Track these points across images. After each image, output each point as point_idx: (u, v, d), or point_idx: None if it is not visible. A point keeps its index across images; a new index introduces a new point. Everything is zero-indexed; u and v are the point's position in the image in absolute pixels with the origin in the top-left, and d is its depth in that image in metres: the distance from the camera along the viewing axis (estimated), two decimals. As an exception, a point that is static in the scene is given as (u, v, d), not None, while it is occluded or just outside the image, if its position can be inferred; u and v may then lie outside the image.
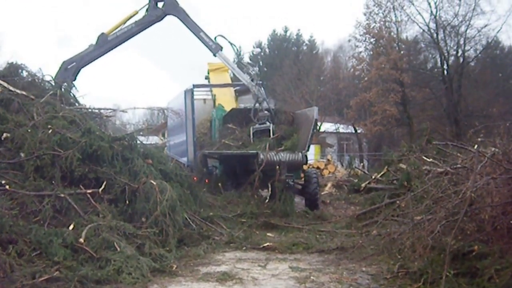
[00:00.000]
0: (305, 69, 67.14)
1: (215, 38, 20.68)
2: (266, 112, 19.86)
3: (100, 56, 21.13)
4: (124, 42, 21.24)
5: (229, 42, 21.24)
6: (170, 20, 20.96)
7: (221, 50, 20.65)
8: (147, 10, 21.08)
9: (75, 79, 20.17)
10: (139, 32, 21.16)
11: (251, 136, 19.84)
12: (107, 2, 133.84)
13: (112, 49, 21.15)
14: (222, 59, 21.05)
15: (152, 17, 21.00)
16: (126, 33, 21.03)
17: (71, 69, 20.28)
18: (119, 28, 21.07)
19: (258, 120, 19.87)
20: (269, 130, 19.72)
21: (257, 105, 20.10)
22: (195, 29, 20.80)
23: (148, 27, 21.23)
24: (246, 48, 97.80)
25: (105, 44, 20.87)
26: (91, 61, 21.03)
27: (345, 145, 63.46)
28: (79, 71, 20.61)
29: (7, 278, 8.26)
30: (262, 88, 21.13)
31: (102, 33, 20.78)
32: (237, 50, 22.18)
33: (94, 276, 8.85)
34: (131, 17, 21.25)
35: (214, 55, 20.75)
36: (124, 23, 21.16)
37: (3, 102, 13.66)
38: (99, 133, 12.93)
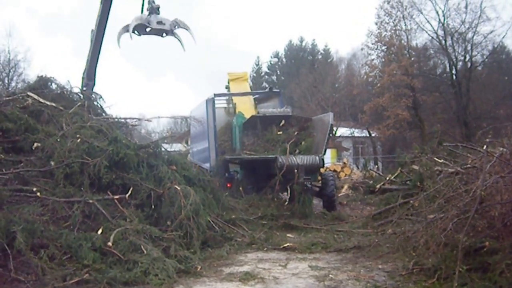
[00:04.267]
0: (320, 77, 67.30)
1: None
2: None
3: (98, 50, 20.06)
4: (104, 25, 19.61)
5: None
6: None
7: None
8: None
9: (94, 83, 19.51)
10: (109, 8, 19.52)
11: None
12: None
13: (101, 37, 19.94)
14: None
15: None
16: (100, 15, 19.90)
17: (88, 75, 19.69)
18: None
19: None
20: None
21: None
22: None
23: None
24: (264, 58, 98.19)
25: (94, 36, 20.02)
26: (94, 58, 19.93)
27: (360, 149, 63.18)
28: (94, 73, 19.78)
29: (39, 281, 8.26)
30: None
31: (92, 30, 20.11)
32: None
33: (122, 278, 8.81)
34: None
35: None
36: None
37: (34, 113, 13.70)
38: (125, 142, 12.87)
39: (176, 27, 17.60)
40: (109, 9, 18.85)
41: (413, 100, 48.77)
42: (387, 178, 21.95)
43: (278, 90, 25.47)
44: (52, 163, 11.66)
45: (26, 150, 12.37)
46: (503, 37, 54.73)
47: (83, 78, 19.08)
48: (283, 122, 20.24)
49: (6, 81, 49.90)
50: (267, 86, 66.24)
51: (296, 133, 20.08)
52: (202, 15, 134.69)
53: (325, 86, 64.47)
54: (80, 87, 18.27)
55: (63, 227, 9.98)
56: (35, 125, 12.96)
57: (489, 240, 8.79)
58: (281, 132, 20.21)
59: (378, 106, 49.22)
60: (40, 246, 9.07)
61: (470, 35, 47.51)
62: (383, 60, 52.85)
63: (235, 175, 19.87)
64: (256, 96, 24.73)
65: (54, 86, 16.12)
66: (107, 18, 18.84)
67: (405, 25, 50.39)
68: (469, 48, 48.05)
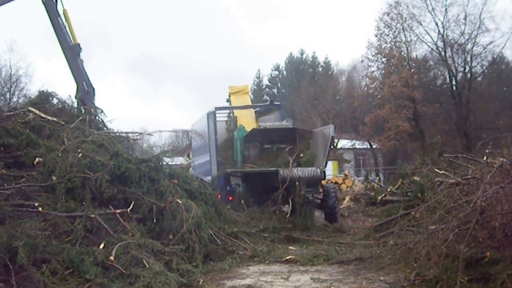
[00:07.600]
0: (321, 89, 67.47)
1: None
2: None
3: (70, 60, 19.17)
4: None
5: None
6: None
7: None
8: None
9: (94, 90, 18.95)
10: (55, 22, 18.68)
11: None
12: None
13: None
14: None
15: None
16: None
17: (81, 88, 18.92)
18: None
19: None
20: None
21: None
22: None
23: None
24: (265, 71, 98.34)
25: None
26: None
27: (361, 160, 63.15)
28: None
29: (42, 297, 8.22)
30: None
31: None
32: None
33: (124, 292, 8.78)
34: None
35: None
36: None
37: (35, 128, 13.73)
38: (127, 156, 12.90)
39: None
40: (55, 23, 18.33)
41: (413, 111, 48.74)
42: (388, 190, 21.93)
43: (278, 103, 25.62)
44: (54, 178, 11.66)
45: (27, 165, 12.38)
46: (503, 48, 54.58)
47: (77, 99, 18.56)
48: (287, 148, 20.28)
49: (8, 96, 49.96)
50: (268, 99, 66.40)
51: (297, 146, 20.11)
52: (205, 21, 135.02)
53: (326, 98, 64.54)
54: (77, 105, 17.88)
55: (65, 242, 9.96)
56: (36, 140, 12.99)
57: (490, 250, 8.79)
58: (282, 146, 20.27)
59: (379, 118, 49.20)
60: (42, 261, 9.04)
61: (469, 46, 47.53)
62: (383, 72, 52.87)
63: (236, 188, 19.87)
64: (257, 109, 24.81)
65: (55, 101, 16.17)
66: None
67: (405, 36, 50.46)
68: (468, 59, 48.06)
